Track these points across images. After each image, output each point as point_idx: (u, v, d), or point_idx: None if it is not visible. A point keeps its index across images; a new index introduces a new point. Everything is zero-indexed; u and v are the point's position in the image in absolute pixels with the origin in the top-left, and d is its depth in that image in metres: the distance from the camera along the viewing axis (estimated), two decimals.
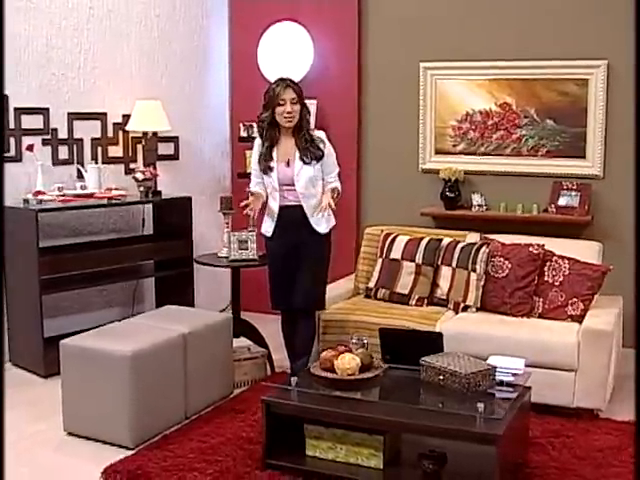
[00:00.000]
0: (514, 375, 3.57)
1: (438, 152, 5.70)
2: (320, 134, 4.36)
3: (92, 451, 3.84)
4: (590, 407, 4.18)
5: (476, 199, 5.52)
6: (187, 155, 6.08)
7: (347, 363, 3.56)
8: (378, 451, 3.46)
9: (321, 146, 4.29)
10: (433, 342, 3.66)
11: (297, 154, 4.24)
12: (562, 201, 5.31)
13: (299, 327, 4.39)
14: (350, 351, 3.67)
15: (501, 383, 3.57)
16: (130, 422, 3.85)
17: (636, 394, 3.88)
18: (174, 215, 5.65)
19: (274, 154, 4.26)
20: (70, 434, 4.01)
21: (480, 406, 3.23)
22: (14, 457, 3.74)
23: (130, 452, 3.80)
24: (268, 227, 4.36)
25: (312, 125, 5.65)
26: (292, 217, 4.25)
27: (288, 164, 4.25)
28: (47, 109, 5.11)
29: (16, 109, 4.94)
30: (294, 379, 3.63)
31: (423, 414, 3.35)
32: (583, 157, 5.32)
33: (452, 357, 3.58)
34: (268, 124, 4.24)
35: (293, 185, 4.24)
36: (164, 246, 5.53)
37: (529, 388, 3.66)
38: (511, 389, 3.53)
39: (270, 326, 5.03)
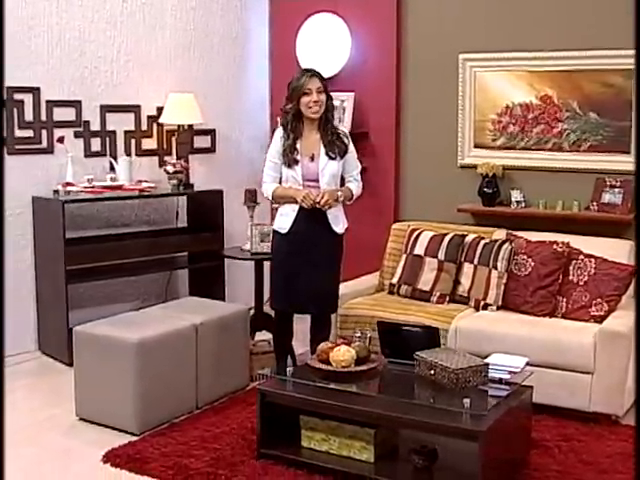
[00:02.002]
0: (511, 373, 3.67)
1: (477, 146, 5.79)
2: (344, 130, 4.50)
3: (99, 436, 4.14)
4: (607, 412, 4.23)
5: (515, 195, 5.57)
6: (224, 148, 6.37)
7: (342, 355, 3.75)
8: (370, 444, 3.63)
9: (345, 141, 4.40)
10: (429, 337, 3.81)
11: (322, 149, 4.34)
12: (605, 198, 5.32)
13: (316, 332, 4.48)
14: (348, 344, 3.85)
15: (500, 381, 3.68)
16: (136, 409, 4.14)
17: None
18: (207, 208, 5.95)
19: (298, 146, 4.35)
20: (82, 419, 4.33)
21: (466, 402, 3.37)
22: (24, 439, 4.09)
23: (135, 438, 4.09)
24: (284, 223, 4.39)
25: (347, 120, 5.99)
26: (312, 215, 4.31)
27: (312, 159, 4.34)
28: (79, 102, 5.49)
29: (48, 101, 5.33)
30: (290, 369, 3.84)
31: (411, 408, 3.51)
32: (627, 152, 5.30)
33: (447, 352, 3.73)
34: (292, 116, 4.35)
35: (317, 181, 4.33)
36: (195, 239, 5.84)
37: (530, 387, 3.76)
38: (507, 387, 3.64)
39: (300, 322, 5.20)
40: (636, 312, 4.03)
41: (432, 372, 3.60)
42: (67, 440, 4.14)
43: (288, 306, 4.46)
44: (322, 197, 4.26)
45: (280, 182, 4.42)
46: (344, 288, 5.08)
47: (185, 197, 6.04)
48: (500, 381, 3.68)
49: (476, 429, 3.29)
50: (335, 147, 4.34)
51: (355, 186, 4.48)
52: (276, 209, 5.20)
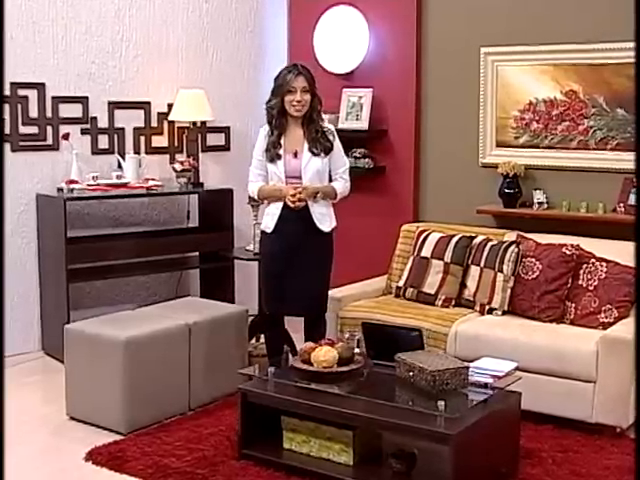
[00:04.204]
0: (494, 377, 3.82)
1: (499, 145, 5.92)
2: (330, 126, 4.73)
3: (86, 435, 4.44)
4: (611, 423, 4.33)
5: (537, 196, 5.68)
6: (239, 146, 6.62)
7: (322, 356, 3.96)
8: (348, 447, 3.84)
9: (330, 138, 4.63)
10: (412, 339, 4.01)
11: (305, 145, 4.58)
12: (632, 199, 5.38)
13: (310, 334, 4.67)
14: (332, 345, 4.05)
15: (485, 385, 3.84)
16: (124, 408, 4.42)
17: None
18: (218, 207, 6.22)
19: (282, 142, 4.60)
20: (72, 418, 4.64)
21: (440, 404, 3.53)
22: (12, 437, 4.36)
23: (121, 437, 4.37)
24: (269, 222, 4.62)
25: (365, 117, 6.18)
26: (297, 213, 4.54)
27: (296, 155, 4.58)
28: (86, 98, 5.83)
29: (54, 97, 5.68)
30: (271, 369, 4.07)
31: (386, 410, 3.70)
32: None
33: (428, 355, 3.92)
34: (277, 112, 4.59)
35: (300, 178, 4.56)
36: (205, 239, 6.13)
37: (518, 393, 3.91)
38: (491, 391, 3.79)
39: (298, 324, 5.43)
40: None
41: (411, 374, 3.79)
42: (54, 438, 4.45)
43: (276, 308, 4.69)
44: (298, 192, 4.46)
45: (266, 180, 4.65)
46: (350, 290, 5.35)
47: (197, 196, 6.32)
48: (485, 385, 3.84)
49: (447, 432, 3.46)
50: (319, 144, 4.56)
51: (340, 185, 4.68)
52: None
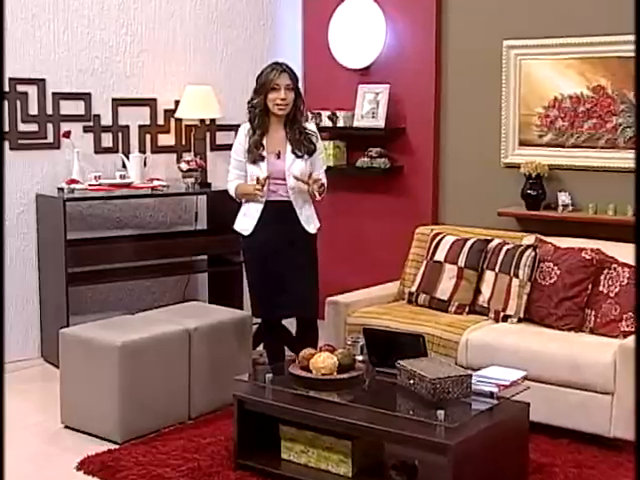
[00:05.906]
0: (500, 386, 3.88)
1: (522, 144, 5.97)
2: (312, 127, 4.89)
3: (79, 443, 4.56)
4: (630, 438, 4.32)
5: (562, 198, 5.72)
6: None
7: (321, 362, 4.05)
8: (347, 457, 3.92)
9: (313, 140, 4.80)
10: (415, 345, 4.08)
11: (288, 147, 4.74)
12: None
13: (302, 338, 4.81)
14: (332, 351, 4.14)
15: (491, 395, 3.90)
16: (119, 416, 4.53)
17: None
18: (226, 209, 6.29)
19: (264, 143, 4.75)
20: (67, 427, 4.77)
21: (440, 413, 3.61)
22: (7, 444, 4.51)
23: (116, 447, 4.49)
24: (246, 224, 4.81)
25: (381, 115, 6.27)
26: (280, 213, 4.72)
27: (279, 156, 4.74)
28: (89, 94, 5.98)
29: (54, 94, 5.84)
30: (269, 376, 4.17)
31: (384, 418, 3.77)
32: None
33: (430, 362, 3.99)
34: (260, 110, 4.73)
35: (283, 179, 4.73)
36: (212, 241, 6.25)
37: (526, 403, 3.96)
38: (495, 401, 3.85)
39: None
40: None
41: (411, 382, 3.86)
42: (46, 447, 4.58)
43: (269, 313, 4.86)
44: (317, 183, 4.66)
45: (246, 181, 4.81)
46: (361, 295, 5.44)
47: (205, 197, 6.44)
48: (490, 395, 3.90)
49: (446, 442, 3.53)
50: (302, 146, 4.74)
51: (324, 180, 4.84)
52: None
